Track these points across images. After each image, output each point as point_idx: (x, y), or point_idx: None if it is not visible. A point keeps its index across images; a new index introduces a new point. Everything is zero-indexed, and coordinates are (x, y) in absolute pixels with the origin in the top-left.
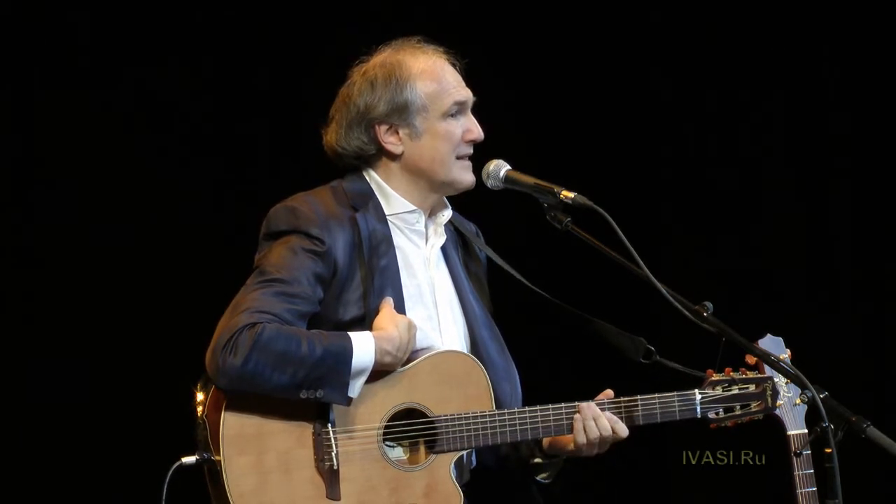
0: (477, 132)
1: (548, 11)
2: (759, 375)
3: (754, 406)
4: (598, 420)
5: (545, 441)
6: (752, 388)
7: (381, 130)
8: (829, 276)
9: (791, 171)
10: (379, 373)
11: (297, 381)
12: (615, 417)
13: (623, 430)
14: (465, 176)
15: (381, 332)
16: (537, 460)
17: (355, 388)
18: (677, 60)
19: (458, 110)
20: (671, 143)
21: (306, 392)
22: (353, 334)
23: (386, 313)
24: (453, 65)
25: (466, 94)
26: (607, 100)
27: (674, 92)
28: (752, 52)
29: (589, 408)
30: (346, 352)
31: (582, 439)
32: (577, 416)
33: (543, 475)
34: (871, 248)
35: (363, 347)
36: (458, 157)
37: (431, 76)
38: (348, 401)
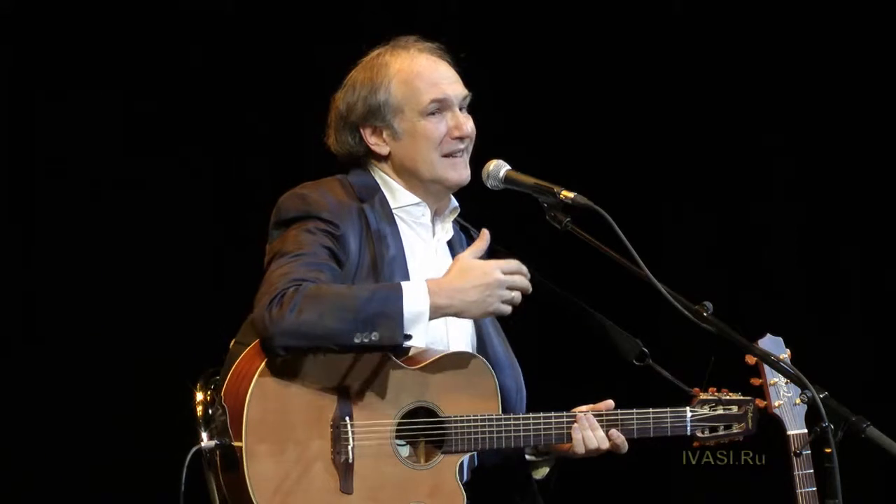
0: (463, 128)
1: (548, 10)
2: (741, 398)
3: (736, 427)
4: (595, 432)
5: None
6: (735, 409)
7: (367, 132)
8: (830, 276)
9: (792, 171)
10: (395, 368)
11: (349, 325)
12: (621, 436)
13: (624, 446)
14: (450, 173)
15: (438, 279)
16: (530, 458)
17: (420, 335)
18: (678, 59)
19: (438, 108)
20: (671, 143)
21: (360, 335)
22: (404, 282)
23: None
24: (442, 60)
25: (451, 91)
26: (607, 99)
27: (674, 91)
28: (752, 51)
29: (587, 418)
30: (397, 292)
31: (581, 450)
32: (574, 426)
33: (539, 472)
34: (871, 247)
35: (414, 290)
36: (445, 155)
37: (409, 75)
38: (404, 339)
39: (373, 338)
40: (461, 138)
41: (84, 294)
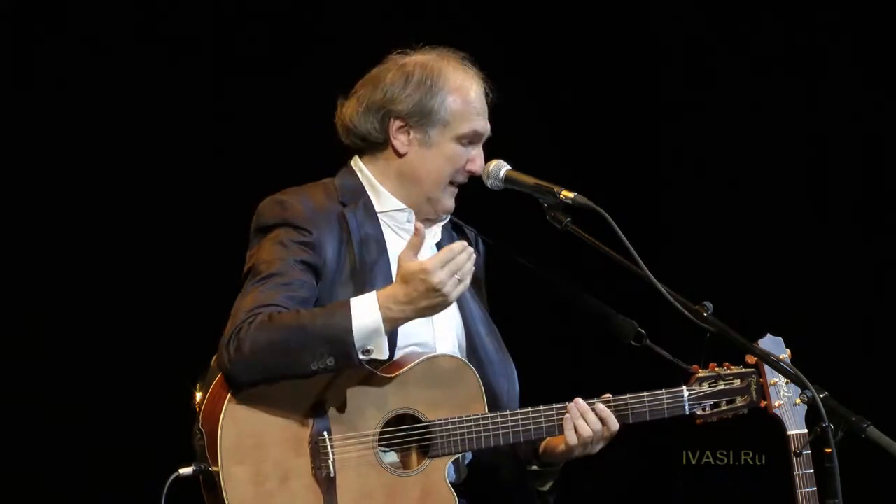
0: (479, 165)
1: (548, 11)
2: (742, 370)
3: (739, 401)
4: (587, 416)
5: (541, 448)
6: (736, 382)
7: (395, 125)
8: (830, 276)
9: (792, 171)
10: (372, 378)
11: (304, 357)
12: (606, 409)
13: (614, 424)
14: (448, 201)
15: (386, 290)
16: (534, 468)
17: (380, 349)
18: (677, 58)
19: (472, 139)
20: (671, 142)
21: (316, 362)
22: (352, 300)
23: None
24: (486, 94)
25: (485, 126)
26: (607, 98)
27: (674, 90)
28: (752, 52)
29: (577, 405)
30: (345, 311)
31: (573, 439)
32: (566, 416)
33: (541, 484)
34: (871, 246)
35: (364, 306)
36: (451, 183)
37: (464, 96)
38: (364, 354)
39: (328, 363)
40: (472, 173)
41: (82, 293)
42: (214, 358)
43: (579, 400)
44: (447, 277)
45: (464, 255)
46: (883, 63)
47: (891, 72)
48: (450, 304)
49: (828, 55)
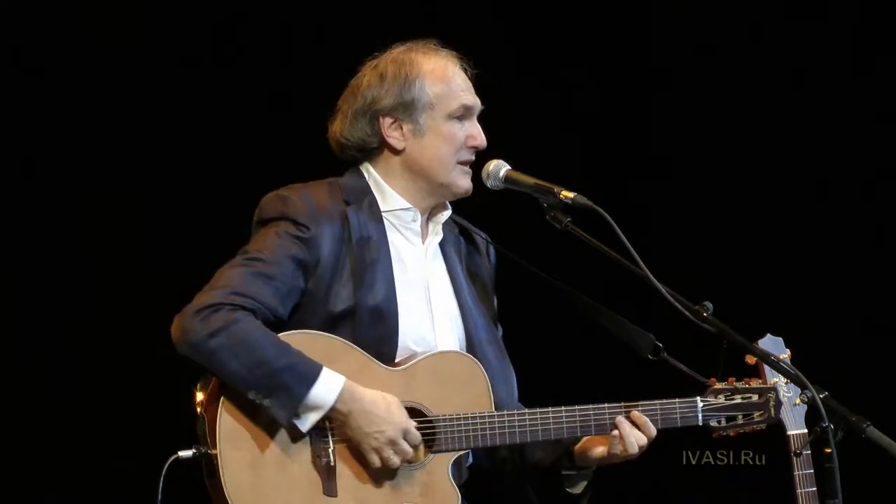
0: (480, 139)
1: (549, 11)
2: (762, 385)
3: (757, 416)
4: (633, 430)
5: (576, 451)
6: (754, 397)
7: (386, 124)
8: (830, 276)
9: (791, 170)
10: (376, 372)
11: (251, 378)
12: (642, 416)
13: (651, 429)
14: (462, 181)
15: (357, 386)
16: (568, 472)
17: (306, 421)
18: (674, 58)
19: (463, 114)
20: (670, 142)
21: (255, 394)
22: (326, 368)
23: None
24: (465, 70)
25: (474, 100)
26: (606, 97)
27: (672, 90)
28: (751, 51)
29: (626, 421)
30: (310, 376)
31: (634, 450)
32: (624, 427)
33: (571, 486)
34: (871, 246)
35: (329, 383)
36: (459, 162)
37: (441, 76)
38: (291, 424)
39: (265, 403)
40: (475, 148)
41: (83, 291)
42: None
43: (622, 418)
44: (397, 443)
45: (409, 452)
46: (884, 55)
47: (892, 62)
48: (365, 450)
49: (827, 47)
